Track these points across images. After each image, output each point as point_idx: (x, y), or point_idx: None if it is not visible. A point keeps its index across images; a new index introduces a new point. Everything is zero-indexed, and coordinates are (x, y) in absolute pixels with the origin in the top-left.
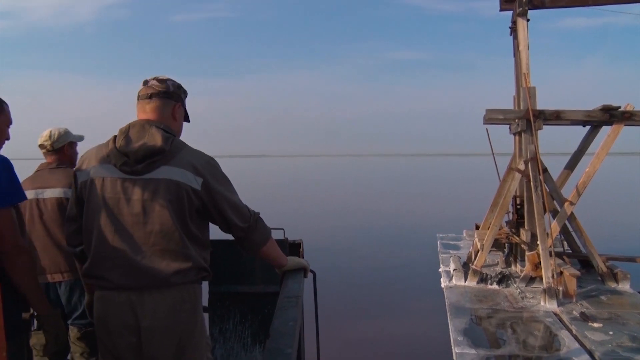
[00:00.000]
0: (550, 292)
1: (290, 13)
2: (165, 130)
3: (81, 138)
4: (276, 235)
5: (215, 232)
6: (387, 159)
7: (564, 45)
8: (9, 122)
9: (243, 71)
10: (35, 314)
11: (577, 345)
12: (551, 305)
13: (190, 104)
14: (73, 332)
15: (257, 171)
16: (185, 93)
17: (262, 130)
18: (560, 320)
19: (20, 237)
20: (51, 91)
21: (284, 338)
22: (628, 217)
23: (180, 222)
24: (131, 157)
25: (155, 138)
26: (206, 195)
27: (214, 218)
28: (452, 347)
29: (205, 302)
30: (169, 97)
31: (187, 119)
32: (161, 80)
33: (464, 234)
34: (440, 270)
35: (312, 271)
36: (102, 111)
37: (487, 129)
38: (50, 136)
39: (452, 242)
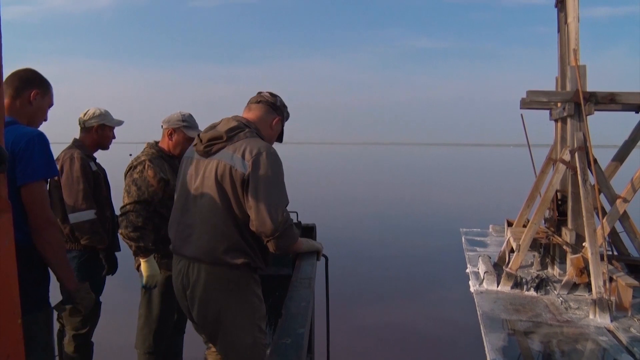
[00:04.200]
0: (601, 304)
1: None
2: (245, 125)
3: (119, 123)
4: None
5: None
6: (407, 148)
7: (586, 36)
8: (51, 103)
9: (261, 57)
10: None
11: None
12: (603, 320)
13: (207, 90)
14: None
15: None
16: (288, 115)
17: None
18: (617, 339)
19: (51, 212)
20: (71, 76)
21: (297, 318)
22: None
23: (225, 201)
24: (203, 141)
25: (226, 127)
26: (247, 183)
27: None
28: None
29: None
30: (274, 109)
31: (279, 139)
32: (273, 95)
33: (490, 230)
34: (467, 271)
35: (324, 256)
36: (121, 95)
37: (522, 114)
38: (85, 114)
39: (478, 239)
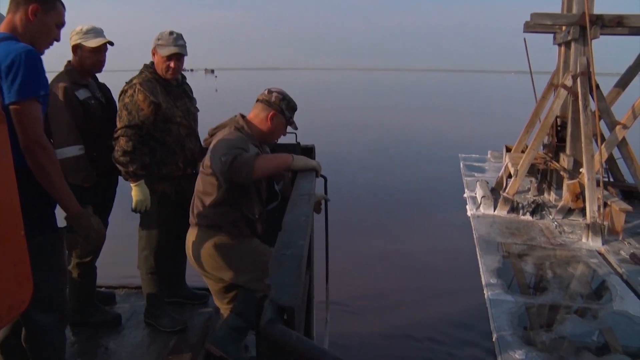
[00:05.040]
0: (594, 228)
1: None
2: (232, 121)
3: (99, 42)
4: (288, 139)
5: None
6: (407, 74)
7: None
8: (59, 21)
9: None
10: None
11: (631, 294)
12: (595, 243)
13: (200, 16)
14: None
15: (269, 84)
16: (289, 108)
17: (274, 43)
18: (607, 261)
19: (42, 134)
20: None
21: (297, 231)
22: None
23: (206, 182)
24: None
25: (215, 126)
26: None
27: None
28: (484, 291)
29: None
30: (268, 105)
31: (294, 127)
32: (269, 91)
33: (489, 155)
34: (465, 195)
35: (323, 176)
36: (136, 22)
37: (524, 39)
38: (71, 31)
39: (476, 164)
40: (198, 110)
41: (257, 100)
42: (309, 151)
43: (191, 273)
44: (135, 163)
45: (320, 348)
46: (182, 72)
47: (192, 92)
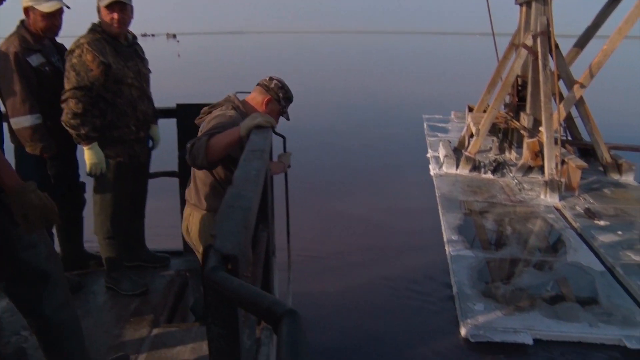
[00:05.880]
0: (552, 185)
1: None
2: (227, 101)
3: (52, 7)
4: None
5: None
6: (368, 36)
7: None
8: None
9: None
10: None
11: (584, 247)
12: (552, 199)
13: None
14: None
15: (233, 49)
16: (286, 98)
17: (238, 6)
18: (563, 216)
19: None
20: None
21: (246, 184)
22: (636, 106)
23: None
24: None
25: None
26: None
27: None
28: (446, 247)
29: (175, 167)
30: (266, 90)
31: (286, 118)
32: (270, 78)
33: (452, 116)
34: (428, 155)
35: (281, 135)
36: None
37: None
38: None
39: (440, 125)
40: (150, 72)
41: (257, 84)
42: None
43: (151, 237)
44: (86, 125)
45: (261, 292)
46: (141, 36)
47: (143, 53)
